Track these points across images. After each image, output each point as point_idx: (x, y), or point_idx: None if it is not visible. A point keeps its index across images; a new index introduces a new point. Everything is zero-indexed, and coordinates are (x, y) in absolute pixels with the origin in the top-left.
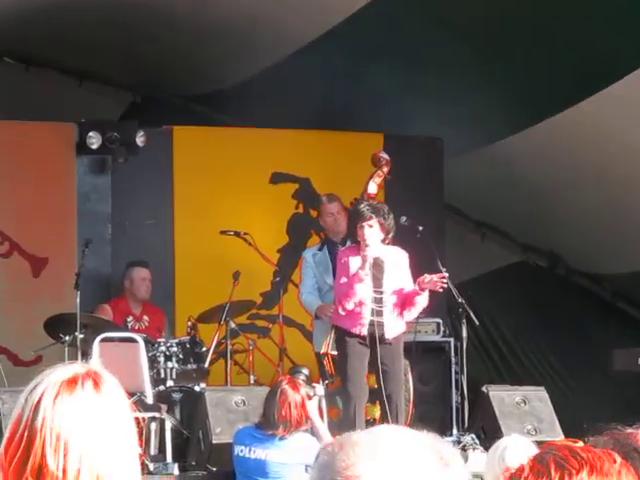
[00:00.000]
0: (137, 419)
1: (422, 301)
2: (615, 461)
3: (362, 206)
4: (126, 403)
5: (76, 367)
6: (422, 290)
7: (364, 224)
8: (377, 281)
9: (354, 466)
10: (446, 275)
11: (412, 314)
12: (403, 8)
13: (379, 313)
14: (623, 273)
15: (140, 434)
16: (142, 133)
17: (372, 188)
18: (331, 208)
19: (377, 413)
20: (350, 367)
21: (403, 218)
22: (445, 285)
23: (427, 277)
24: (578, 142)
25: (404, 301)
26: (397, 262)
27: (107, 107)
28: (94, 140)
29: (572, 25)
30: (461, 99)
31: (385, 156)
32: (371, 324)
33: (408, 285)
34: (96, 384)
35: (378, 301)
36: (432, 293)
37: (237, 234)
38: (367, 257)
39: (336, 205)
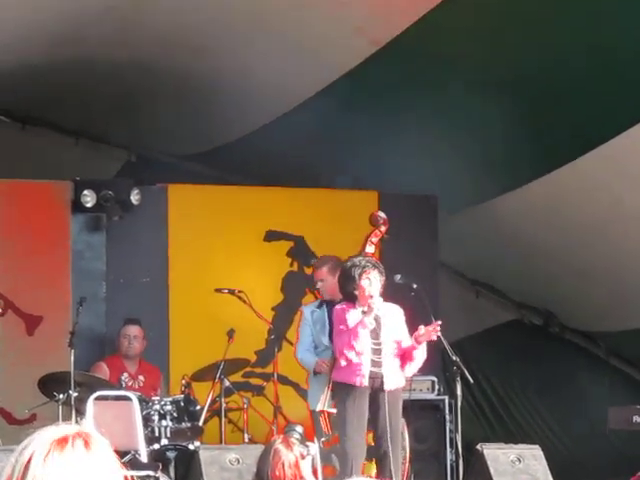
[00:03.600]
0: (126, 477)
1: (420, 355)
2: None
3: (359, 259)
4: (116, 463)
5: (66, 427)
6: (419, 343)
7: (367, 276)
8: (374, 333)
9: None
10: (439, 323)
11: (412, 369)
12: (399, 65)
13: (378, 364)
14: (617, 331)
15: None
16: (137, 191)
17: (370, 248)
18: (318, 274)
19: (373, 471)
20: (349, 425)
21: (397, 276)
22: (439, 332)
23: (422, 329)
24: (571, 201)
25: (403, 355)
26: (394, 316)
27: (103, 165)
28: (89, 198)
29: (563, 88)
30: (456, 157)
31: (383, 215)
32: (371, 376)
33: (406, 339)
34: (86, 443)
35: (377, 352)
36: (428, 349)
37: (232, 292)
38: (372, 305)
39: (324, 270)
